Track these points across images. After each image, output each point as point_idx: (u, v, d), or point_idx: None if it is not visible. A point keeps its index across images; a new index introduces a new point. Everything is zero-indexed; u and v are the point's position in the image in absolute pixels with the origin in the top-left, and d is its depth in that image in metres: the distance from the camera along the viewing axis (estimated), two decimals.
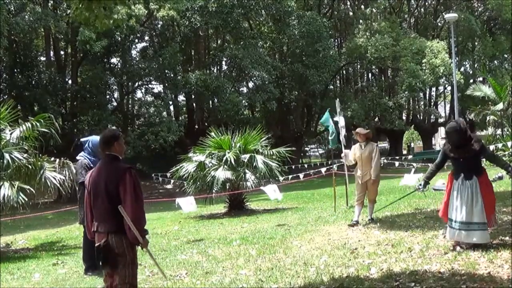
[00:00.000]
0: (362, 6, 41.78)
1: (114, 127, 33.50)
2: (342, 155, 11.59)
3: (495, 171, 15.59)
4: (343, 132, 13.45)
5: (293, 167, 24.19)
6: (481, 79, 38.89)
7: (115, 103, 35.32)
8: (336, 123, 13.57)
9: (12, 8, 26.97)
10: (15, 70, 29.81)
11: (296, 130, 39.26)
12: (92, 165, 8.07)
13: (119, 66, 33.25)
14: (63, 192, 11.51)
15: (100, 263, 4.84)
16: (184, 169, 15.06)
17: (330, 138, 13.90)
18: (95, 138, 8.34)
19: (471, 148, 6.87)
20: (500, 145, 19.85)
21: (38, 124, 11.49)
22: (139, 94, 36.79)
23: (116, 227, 4.75)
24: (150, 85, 35.64)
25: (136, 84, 34.58)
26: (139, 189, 4.82)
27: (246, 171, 14.96)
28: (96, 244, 4.81)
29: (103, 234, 4.81)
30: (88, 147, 8.21)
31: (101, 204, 4.84)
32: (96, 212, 4.90)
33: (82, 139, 8.61)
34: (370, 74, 46.38)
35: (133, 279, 4.86)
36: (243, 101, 33.99)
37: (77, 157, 8.32)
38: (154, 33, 35.42)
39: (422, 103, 45.24)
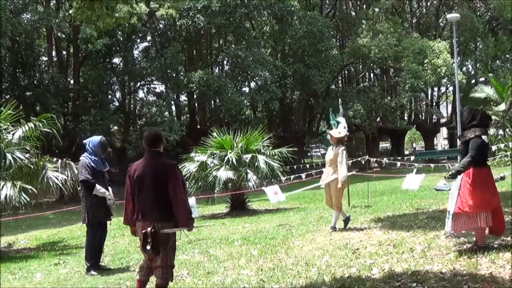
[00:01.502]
0: (364, 6, 41.75)
1: (116, 127, 33.61)
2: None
3: (497, 171, 15.58)
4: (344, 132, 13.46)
5: (295, 167, 24.14)
6: (483, 79, 38.86)
7: (117, 103, 35.28)
8: (337, 123, 13.58)
9: (14, 8, 26.91)
10: (17, 70, 29.80)
11: (298, 130, 39.26)
12: (93, 165, 8.14)
13: (121, 66, 33.23)
14: (65, 192, 11.52)
15: (147, 248, 5.41)
16: (186, 169, 15.06)
17: (326, 136, 13.92)
18: (95, 138, 8.48)
19: (467, 135, 6.87)
20: (502, 145, 19.85)
21: (40, 124, 11.51)
22: (141, 94, 36.85)
23: (161, 216, 5.43)
24: (152, 85, 35.70)
25: (138, 84, 34.57)
26: (184, 182, 5.68)
27: (248, 171, 14.97)
28: (143, 231, 5.41)
29: (148, 222, 5.44)
30: (89, 148, 8.29)
31: (147, 195, 5.47)
32: (142, 202, 5.53)
33: (84, 141, 8.68)
34: (372, 74, 46.34)
35: (172, 261, 5.60)
36: (245, 101, 33.95)
37: (80, 158, 8.40)
38: (156, 33, 35.43)
39: (424, 103, 45.18)
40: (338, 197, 9.67)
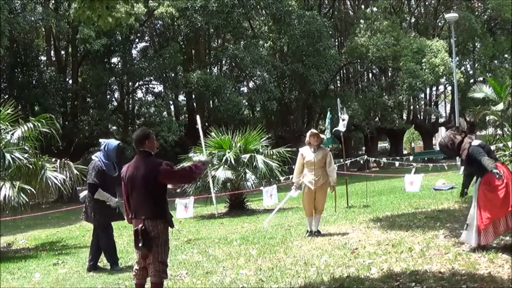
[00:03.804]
0: (363, 6, 41.76)
1: (114, 127, 33.58)
2: (293, 188, 10.35)
3: None
4: (343, 128, 13.66)
5: (294, 167, 24.14)
6: (481, 78, 38.87)
7: (115, 103, 35.24)
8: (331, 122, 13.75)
9: (13, 7, 26.86)
10: (16, 70, 29.76)
11: (296, 130, 39.20)
12: (104, 168, 8.06)
13: (119, 66, 33.18)
14: (64, 192, 11.51)
15: (139, 245, 5.50)
16: None
17: (326, 136, 14.03)
18: (112, 142, 8.37)
19: (462, 154, 6.92)
20: (500, 145, 19.86)
21: (39, 124, 11.50)
22: (139, 94, 36.79)
23: (151, 214, 5.54)
24: (150, 85, 35.62)
25: (137, 84, 34.52)
26: (173, 169, 5.82)
27: (247, 171, 14.96)
28: (134, 228, 5.56)
29: (140, 220, 5.55)
30: (104, 150, 8.21)
31: (137, 194, 5.61)
32: (133, 201, 5.68)
33: (101, 140, 8.57)
34: (370, 74, 46.33)
35: (164, 257, 5.64)
36: (244, 101, 33.92)
37: (93, 157, 8.35)
38: (154, 33, 35.39)
39: (422, 102, 45.19)
40: (325, 201, 9.65)
